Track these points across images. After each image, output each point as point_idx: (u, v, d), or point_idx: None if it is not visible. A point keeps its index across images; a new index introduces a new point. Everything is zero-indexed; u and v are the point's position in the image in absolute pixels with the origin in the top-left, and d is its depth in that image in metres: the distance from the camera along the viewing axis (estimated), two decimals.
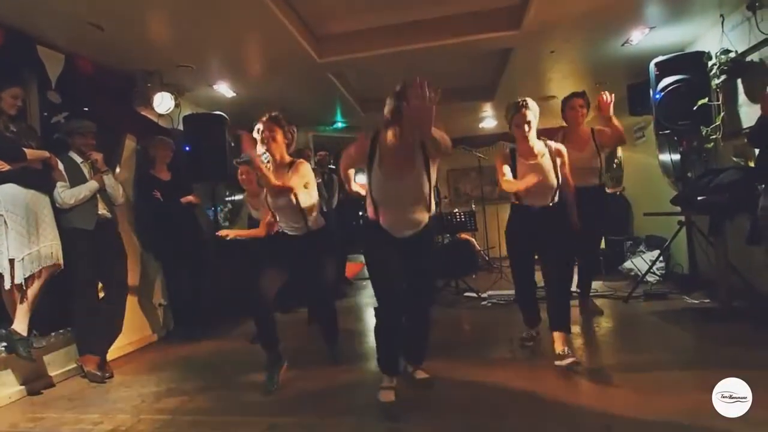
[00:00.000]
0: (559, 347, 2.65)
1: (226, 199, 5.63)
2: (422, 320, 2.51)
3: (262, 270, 2.73)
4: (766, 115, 2.69)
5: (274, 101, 5.11)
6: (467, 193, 7.19)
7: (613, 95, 3.36)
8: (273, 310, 2.75)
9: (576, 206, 2.89)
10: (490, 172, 7.66)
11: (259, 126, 2.80)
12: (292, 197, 2.69)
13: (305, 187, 2.75)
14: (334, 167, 5.98)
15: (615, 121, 3.40)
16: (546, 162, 2.74)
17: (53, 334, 3.06)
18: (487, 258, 7.03)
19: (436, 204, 2.68)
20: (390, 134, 2.15)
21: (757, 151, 3.10)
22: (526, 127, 2.67)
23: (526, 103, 2.68)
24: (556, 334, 2.69)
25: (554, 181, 2.74)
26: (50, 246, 2.86)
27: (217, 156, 4.41)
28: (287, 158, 2.77)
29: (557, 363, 2.59)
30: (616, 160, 6.65)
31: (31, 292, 2.76)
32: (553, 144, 2.80)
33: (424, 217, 2.30)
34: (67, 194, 3.04)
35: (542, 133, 2.82)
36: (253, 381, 2.75)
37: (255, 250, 3.29)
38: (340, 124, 6.53)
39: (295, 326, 4.01)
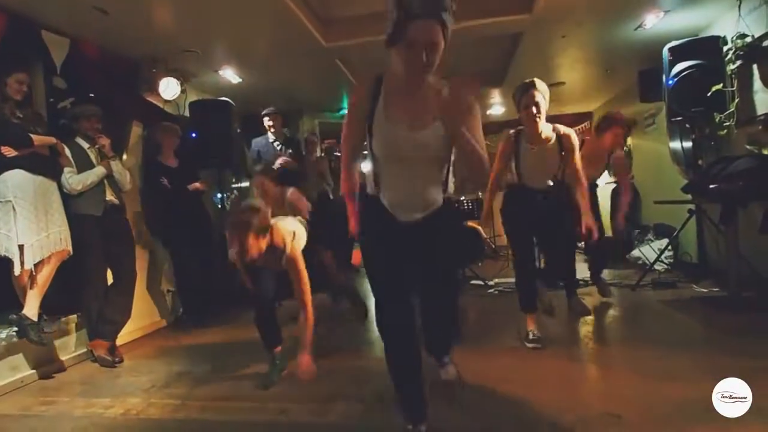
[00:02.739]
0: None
1: (233, 185, 5.62)
2: (444, 308, 2.03)
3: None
4: None
5: (279, 88, 5.09)
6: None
7: None
8: (274, 309, 2.67)
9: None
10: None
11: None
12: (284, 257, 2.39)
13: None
14: (340, 154, 5.96)
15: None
16: (551, 148, 2.66)
17: (63, 319, 3.08)
18: (493, 246, 7.01)
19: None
20: (395, 60, 1.48)
21: None
22: (534, 109, 2.53)
23: (535, 84, 2.55)
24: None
25: (554, 168, 2.69)
26: (59, 232, 2.87)
27: (224, 142, 4.40)
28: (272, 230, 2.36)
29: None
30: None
31: (41, 277, 2.77)
32: (562, 128, 2.69)
33: (437, 196, 1.65)
34: (74, 180, 3.04)
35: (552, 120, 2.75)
36: (262, 368, 2.76)
37: None
38: (346, 111, 6.47)
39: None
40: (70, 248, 2.92)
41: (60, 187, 2.98)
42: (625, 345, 2.91)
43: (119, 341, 3.25)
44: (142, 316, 3.74)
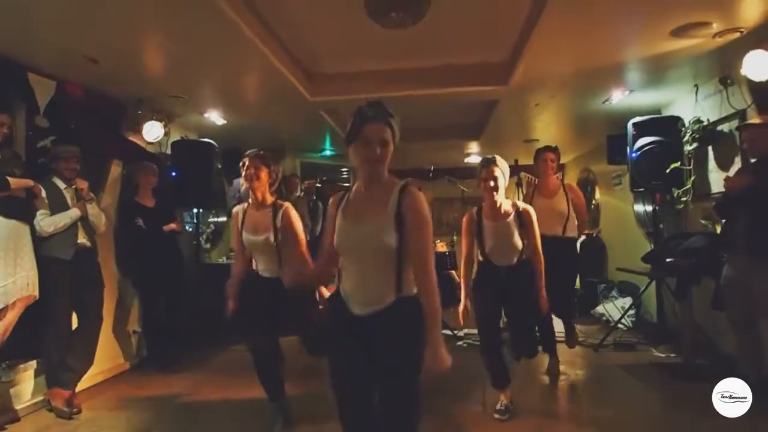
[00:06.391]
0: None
1: (210, 220, 5.62)
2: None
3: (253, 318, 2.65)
4: (728, 194, 2.87)
5: (264, 129, 5.18)
6: (449, 223, 7.37)
7: None
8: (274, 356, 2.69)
9: (544, 257, 2.87)
10: (474, 202, 7.95)
11: (245, 160, 2.68)
12: (271, 237, 2.62)
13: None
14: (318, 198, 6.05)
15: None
16: (510, 223, 2.77)
17: (22, 365, 3.00)
18: None
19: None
20: (353, 158, 1.67)
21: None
22: (492, 183, 2.67)
23: (496, 160, 2.69)
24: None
25: (518, 244, 2.78)
26: (27, 276, 2.82)
27: (204, 183, 4.43)
28: (269, 199, 2.72)
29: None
30: (594, 202, 6.84)
31: (4, 323, 2.71)
32: (522, 204, 2.85)
33: (386, 290, 1.62)
34: (46, 222, 3.01)
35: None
36: (229, 420, 2.72)
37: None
38: (328, 152, 6.59)
39: None
40: (36, 293, 2.86)
41: (33, 229, 2.95)
42: (581, 410, 3.04)
43: (80, 386, 3.18)
44: (105, 358, 3.66)
